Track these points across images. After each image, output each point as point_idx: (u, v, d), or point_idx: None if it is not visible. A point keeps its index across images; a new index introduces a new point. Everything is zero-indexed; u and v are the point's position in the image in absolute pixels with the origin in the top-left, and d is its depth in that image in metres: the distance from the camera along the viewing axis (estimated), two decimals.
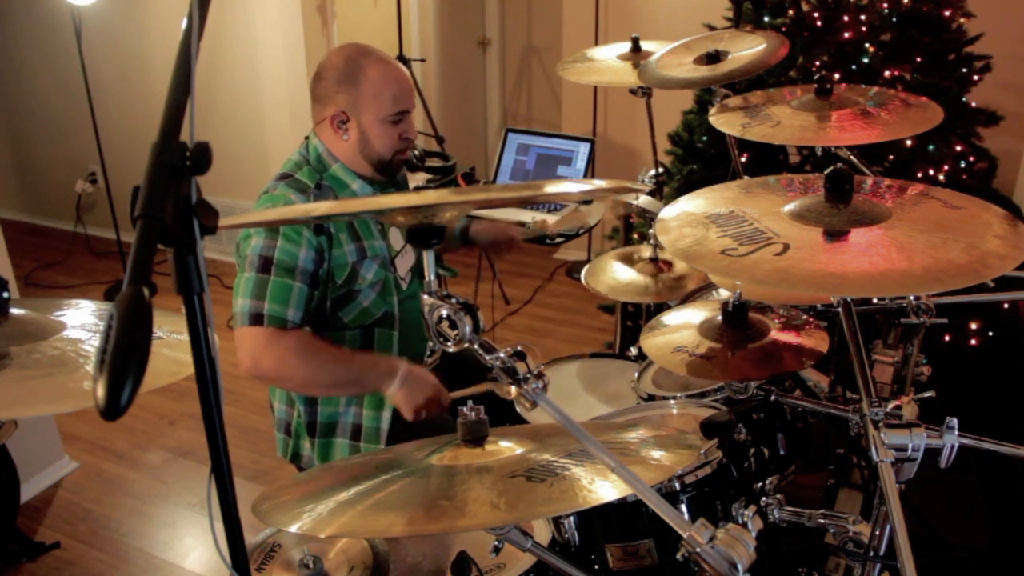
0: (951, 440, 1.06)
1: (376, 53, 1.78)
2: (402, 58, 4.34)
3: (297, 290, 1.69)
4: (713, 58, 1.96)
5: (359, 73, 1.73)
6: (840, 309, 1.22)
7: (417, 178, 2.95)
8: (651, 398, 1.80)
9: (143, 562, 2.48)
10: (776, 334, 1.48)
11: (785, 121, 1.60)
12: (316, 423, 1.87)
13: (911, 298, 1.50)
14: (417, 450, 1.14)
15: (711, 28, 2.91)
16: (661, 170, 2.40)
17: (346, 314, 1.81)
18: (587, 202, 2.91)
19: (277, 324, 1.69)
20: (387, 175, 1.86)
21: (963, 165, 2.60)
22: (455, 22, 5.06)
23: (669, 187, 2.87)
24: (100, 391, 0.57)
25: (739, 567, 0.89)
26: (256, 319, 1.69)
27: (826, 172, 1.09)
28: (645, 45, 2.34)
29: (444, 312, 0.96)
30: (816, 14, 2.75)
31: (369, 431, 1.86)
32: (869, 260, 0.96)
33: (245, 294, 1.70)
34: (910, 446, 1.05)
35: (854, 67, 2.63)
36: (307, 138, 1.85)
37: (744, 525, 0.95)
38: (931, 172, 2.56)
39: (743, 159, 2.73)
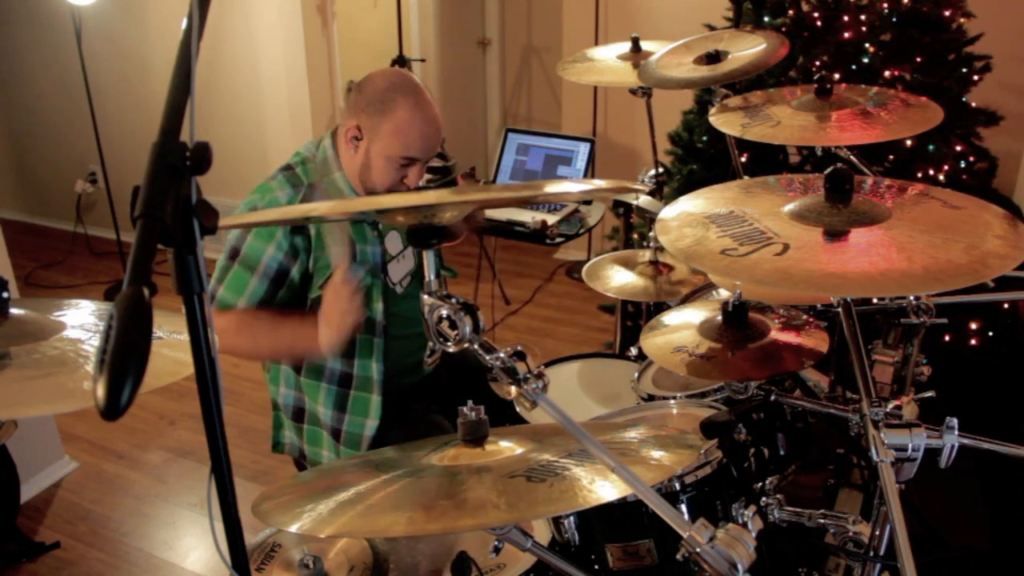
0: (951, 440, 1.06)
1: (419, 95, 1.72)
2: (402, 58, 4.35)
3: (253, 286, 1.72)
4: (713, 58, 1.96)
5: (390, 104, 1.70)
6: (840, 309, 1.22)
7: None
8: (651, 398, 1.80)
9: (143, 562, 2.48)
10: (776, 334, 1.48)
11: (785, 121, 1.60)
12: (304, 410, 1.88)
13: (911, 298, 1.50)
14: (417, 450, 1.14)
15: (711, 28, 2.91)
16: (661, 170, 2.40)
17: None
18: (587, 202, 2.92)
19: (222, 309, 1.74)
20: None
21: (963, 165, 2.60)
22: (455, 22, 5.06)
23: (669, 187, 2.86)
24: (100, 391, 0.57)
25: (739, 567, 0.89)
26: (212, 298, 1.74)
27: (826, 172, 1.09)
28: (645, 45, 2.34)
29: (444, 312, 0.96)
30: (816, 14, 2.75)
31: (350, 436, 1.85)
32: (869, 260, 0.96)
33: (215, 277, 1.76)
34: (910, 446, 1.05)
35: (854, 67, 2.64)
36: (323, 136, 1.85)
37: (744, 525, 0.95)
38: (931, 172, 2.56)
39: (743, 159, 2.73)
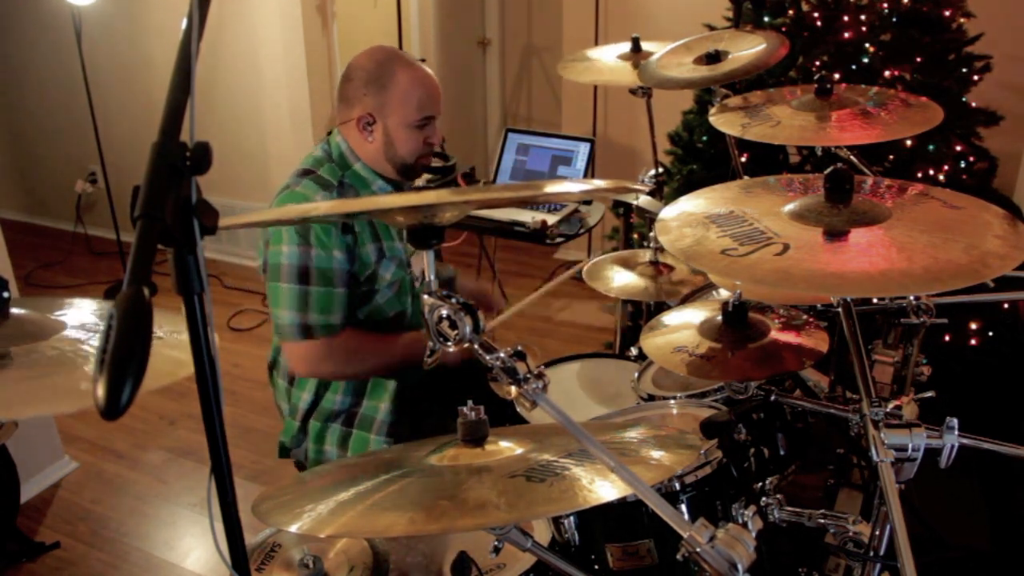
0: (951, 440, 1.06)
1: (406, 57, 1.80)
2: None
3: (338, 296, 1.72)
4: (713, 58, 1.96)
5: (388, 77, 1.74)
6: (840, 309, 1.22)
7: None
8: (651, 398, 1.80)
9: (143, 562, 2.48)
10: (776, 334, 1.48)
11: (785, 121, 1.60)
12: (318, 406, 1.90)
13: (911, 298, 1.50)
14: (417, 450, 1.14)
15: (711, 28, 2.91)
16: (661, 170, 2.40)
17: (362, 312, 1.82)
18: (587, 202, 2.92)
19: (327, 332, 1.72)
20: (408, 178, 1.88)
21: (963, 165, 2.60)
22: (455, 22, 5.06)
23: (669, 187, 2.87)
24: (100, 391, 0.57)
25: (739, 567, 0.89)
26: (305, 331, 1.71)
27: (826, 172, 1.09)
28: (645, 45, 2.34)
29: (444, 312, 0.96)
30: (816, 14, 2.75)
31: (365, 419, 1.87)
32: (869, 260, 0.96)
33: (288, 306, 1.71)
34: (910, 446, 1.05)
35: (854, 67, 2.64)
36: (329, 135, 1.86)
37: (744, 525, 0.95)
38: (931, 172, 2.56)
39: (743, 159, 2.72)
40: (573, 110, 4.39)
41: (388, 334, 1.85)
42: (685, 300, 1.98)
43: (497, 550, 1.04)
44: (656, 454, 1.08)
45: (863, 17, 2.66)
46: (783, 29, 2.71)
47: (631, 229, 2.72)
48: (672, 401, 1.72)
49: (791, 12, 2.80)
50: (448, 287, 2.23)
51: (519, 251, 4.45)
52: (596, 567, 1.32)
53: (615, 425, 1.43)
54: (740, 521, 0.96)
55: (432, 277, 1.01)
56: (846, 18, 2.68)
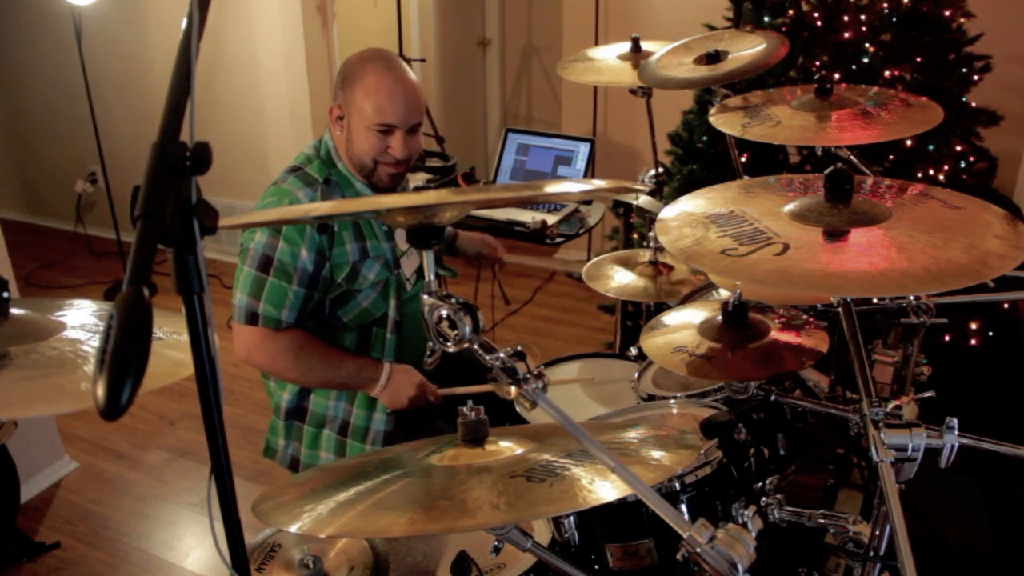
0: (951, 440, 1.06)
1: (386, 63, 1.74)
2: (402, 58, 4.35)
3: (293, 293, 1.72)
4: (713, 58, 1.96)
5: (358, 74, 1.74)
6: (840, 309, 1.22)
7: (417, 178, 2.95)
8: (651, 398, 1.80)
9: (143, 562, 2.48)
10: (776, 334, 1.48)
11: (785, 121, 1.60)
12: (307, 410, 1.89)
13: (911, 298, 1.50)
14: (417, 450, 1.14)
15: (711, 28, 2.91)
16: (661, 170, 2.40)
17: (345, 313, 1.82)
18: (587, 202, 2.92)
19: (271, 325, 1.74)
20: (372, 184, 1.81)
21: (963, 165, 2.60)
22: (455, 22, 5.06)
23: (669, 187, 2.86)
24: (100, 391, 0.57)
25: (739, 567, 0.89)
26: (252, 317, 1.74)
27: (826, 172, 1.09)
28: (645, 45, 2.34)
29: (444, 312, 0.95)
30: (816, 14, 2.75)
31: (357, 429, 1.87)
32: (869, 260, 0.96)
33: (244, 290, 1.74)
34: (910, 446, 1.05)
35: (854, 67, 2.64)
36: (323, 134, 1.87)
37: (744, 525, 0.95)
38: (931, 172, 2.56)
39: (743, 159, 2.72)
40: (573, 110, 4.39)
41: (340, 350, 1.83)
42: (685, 300, 1.98)
43: (497, 550, 1.04)
44: (656, 454, 1.08)
45: (863, 17, 2.66)
46: (783, 29, 2.71)
47: (631, 229, 2.72)
48: (672, 401, 1.72)
49: (791, 12, 2.80)
50: (450, 246, 2.22)
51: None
52: (596, 567, 1.32)
53: (615, 425, 1.43)
54: (740, 521, 0.96)
55: (432, 277, 1.01)
56: (846, 18, 2.68)
